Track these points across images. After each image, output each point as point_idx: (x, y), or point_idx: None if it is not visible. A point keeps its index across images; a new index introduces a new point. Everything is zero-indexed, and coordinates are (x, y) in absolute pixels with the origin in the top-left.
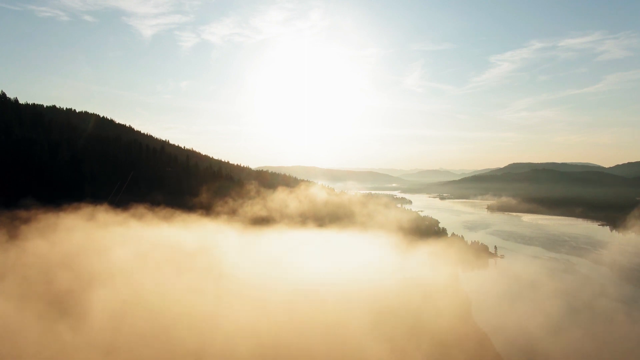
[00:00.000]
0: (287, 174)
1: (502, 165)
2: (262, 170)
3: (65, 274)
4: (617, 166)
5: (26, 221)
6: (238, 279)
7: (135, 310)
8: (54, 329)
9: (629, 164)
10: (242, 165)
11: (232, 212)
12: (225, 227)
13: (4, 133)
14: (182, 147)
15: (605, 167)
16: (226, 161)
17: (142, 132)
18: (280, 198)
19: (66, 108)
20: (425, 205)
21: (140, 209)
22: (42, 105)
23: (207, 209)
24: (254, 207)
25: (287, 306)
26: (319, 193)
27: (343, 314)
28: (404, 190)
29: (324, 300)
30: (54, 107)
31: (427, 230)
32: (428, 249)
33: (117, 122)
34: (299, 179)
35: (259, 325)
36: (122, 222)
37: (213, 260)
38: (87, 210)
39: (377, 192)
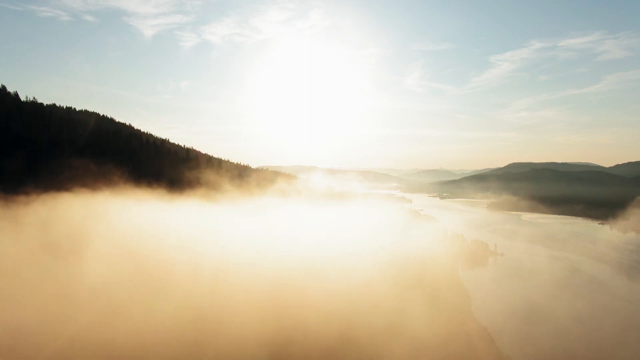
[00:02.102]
0: (288, 173)
1: (502, 165)
2: (262, 169)
3: (63, 233)
4: (617, 166)
5: (26, 204)
6: (239, 248)
7: (130, 264)
8: (51, 270)
9: (629, 163)
10: (242, 164)
11: (233, 200)
12: (226, 209)
13: (3, 125)
14: (182, 146)
15: (605, 167)
16: (226, 159)
17: (142, 130)
18: (280, 188)
19: (66, 106)
20: (425, 204)
21: (140, 193)
22: (42, 104)
23: (207, 197)
24: (255, 196)
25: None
26: (318, 186)
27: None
28: (404, 190)
29: (325, 269)
30: (53, 105)
31: (426, 226)
32: (427, 239)
33: (117, 120)
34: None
35: (261, 287)
36: (122, 202)
37: (212, 234)
38: (86, 194)
39: (376, 191)
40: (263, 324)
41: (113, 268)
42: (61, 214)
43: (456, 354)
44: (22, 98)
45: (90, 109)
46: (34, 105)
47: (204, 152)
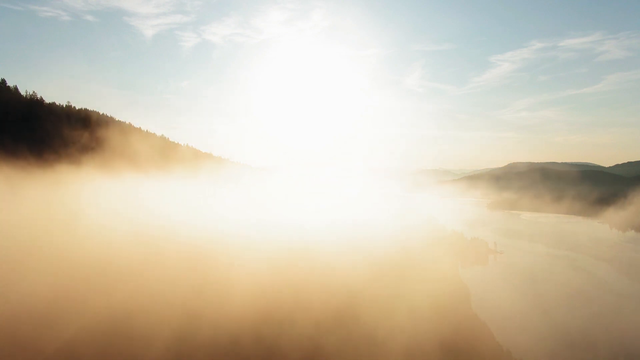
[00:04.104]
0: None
1: (502, 165)
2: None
3: (61, 199)
4: (617, 166)
5: (27, 189)
6: (240, 225)
7: (130, 236)
8: (49, 229)
9: (629, 163)
10: (242, 164)
11: (234, 189)
12: (226, 195)
13: (3, 116)
14: (183, 145)
15: (605, 167)
16: (226, 158)
17: (142, 129)
18: (280, 181)
19: (65, 105)
20: (424, 203)
21: (139, 178)
22: (41, 98)
23: (207, 186)
24: (255, 188)
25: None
26: (318, 182)
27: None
28: (404, 189)
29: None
30: (53, 104)
31: (425, 224)
32: (426, 237)
33: (117, 119)
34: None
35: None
36: (121, 186)
37: (212, 212)
38: (83, 177)
39: (376, 190)
40: (263, 298)
41: (114, 240)
42: (62, 196)
43: (454, 333)
44: (22, 93)
45: (90, 108)
46: (33, 100)
47: (203, 152)
